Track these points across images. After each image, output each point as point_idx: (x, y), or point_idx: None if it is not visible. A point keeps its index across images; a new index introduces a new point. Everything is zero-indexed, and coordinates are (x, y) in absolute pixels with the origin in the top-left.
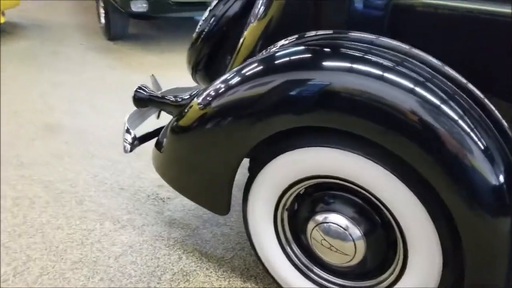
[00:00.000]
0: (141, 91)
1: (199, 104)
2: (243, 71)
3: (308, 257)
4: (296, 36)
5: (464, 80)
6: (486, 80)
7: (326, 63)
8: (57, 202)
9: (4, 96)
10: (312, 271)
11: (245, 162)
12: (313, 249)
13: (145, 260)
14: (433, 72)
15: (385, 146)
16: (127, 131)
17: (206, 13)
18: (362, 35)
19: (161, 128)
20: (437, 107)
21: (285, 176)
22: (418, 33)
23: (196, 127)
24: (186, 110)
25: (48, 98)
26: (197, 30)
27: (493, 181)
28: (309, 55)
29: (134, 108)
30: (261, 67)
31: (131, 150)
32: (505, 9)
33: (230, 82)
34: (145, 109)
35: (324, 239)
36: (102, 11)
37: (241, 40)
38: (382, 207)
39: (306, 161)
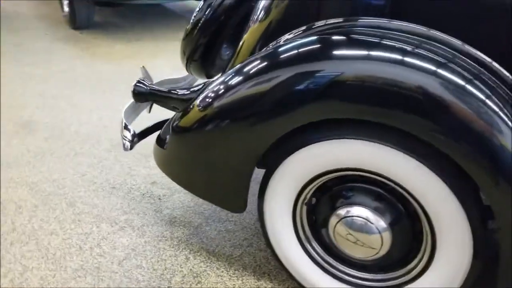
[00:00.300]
0: (140, 85)
1: (212, 98)
2: (264, 62)
3: (327, 252)
4: (303, 28)
5: (488, 59)
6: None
7: (345, 52)
8: (45, 205)
9: None
10: (333, 266)
11: None
12: (335, 244)
13: (151, 263)
14: (454, 52)
15: (412, 133)
16: (125, 127)
17: (201, 3)
18: (375, 20)
19: (161, 122)
20: (463, 88)
21: (307, 170)
22: (431, 13)
23: (211, 123)
24: (196, 104)
25: (19, 93)
26: (192, 20)
27: None
28: (332, 43)
29: (109, 101)
30: (286, 56)
31: (131, 148)
32: None
33: (246, 74)
34: (138, 103)
35: (350, 234)
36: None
37: (240, 43)
38: (409, 197)
39: (331, 154)
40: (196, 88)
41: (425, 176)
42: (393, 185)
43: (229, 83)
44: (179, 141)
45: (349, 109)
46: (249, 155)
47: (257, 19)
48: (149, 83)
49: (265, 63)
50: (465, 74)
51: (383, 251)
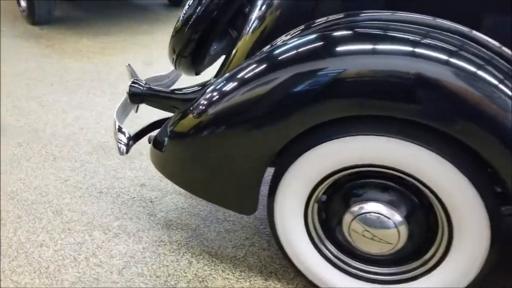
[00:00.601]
0: (136, 85)
1: (219, 98)
2: (273, 61)
3: (339, 249)
4: (301, 27)
5: (497, 44)
6: None
7: (350, 47)
8: (30, 215)
9: None
10: (346, 263)
11: None
12: (350, 241)
13: (153, 270)
14: (463, 39)
15: (428, 124)
16: (120, 130)
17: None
18: (378, 13)
19: (155, 123)
20: (474, 74)
21: (320, 169)
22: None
23: (219, 124)
24: (201, 105)
25: None
26: (181, 17)
27: None
28: (335, 39)
29: (83, 100)
30: (296, 54)
31: (127, 152)
32: None
33: (255, 72)
34: (126, 103)
35: (366, 230)
36: None
37: (233, 51)
38: (424, 188)
39: (345, 151)
40: (196, 88)
41: (441, 166)
42: (407, 178)
43: (236, 84)
44: (184, 145)
45: (364, 105)
46: (261, 156)
47: (249, 29)
48: (145, 83)
49: (270, 63)
50: (476, 60)
51: (399, 245)
